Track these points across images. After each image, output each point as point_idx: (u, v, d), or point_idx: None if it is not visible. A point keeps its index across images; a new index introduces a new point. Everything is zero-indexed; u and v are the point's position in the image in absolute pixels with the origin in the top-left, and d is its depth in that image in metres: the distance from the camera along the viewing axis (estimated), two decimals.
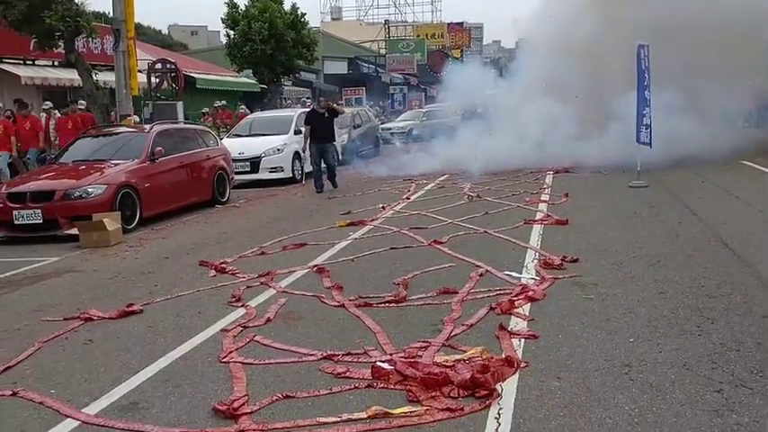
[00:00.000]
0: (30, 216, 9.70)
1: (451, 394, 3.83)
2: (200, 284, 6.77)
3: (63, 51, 16.78)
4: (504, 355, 4.29)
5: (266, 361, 4.56)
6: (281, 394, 3.97)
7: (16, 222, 9.76)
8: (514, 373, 4.08)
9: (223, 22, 25.83)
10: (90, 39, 18.15)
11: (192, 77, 24.38)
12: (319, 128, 13.85)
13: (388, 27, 52.67)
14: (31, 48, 18.34)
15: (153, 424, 3.72)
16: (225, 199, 13.05)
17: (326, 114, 14.04)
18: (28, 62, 20.29)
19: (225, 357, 4.66)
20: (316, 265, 7.20)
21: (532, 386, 3.92)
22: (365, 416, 3.65)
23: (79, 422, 3.82)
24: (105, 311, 5.91)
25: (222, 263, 7.52)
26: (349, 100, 33.07)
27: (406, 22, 63.23)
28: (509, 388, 3.90)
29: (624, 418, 3.48)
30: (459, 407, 3.68)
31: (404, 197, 12.05)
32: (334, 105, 15.30)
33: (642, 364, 4.15)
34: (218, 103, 23.62)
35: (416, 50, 50.91)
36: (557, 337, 4.68)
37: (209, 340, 5.10)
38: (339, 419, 3.63)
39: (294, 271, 7.06)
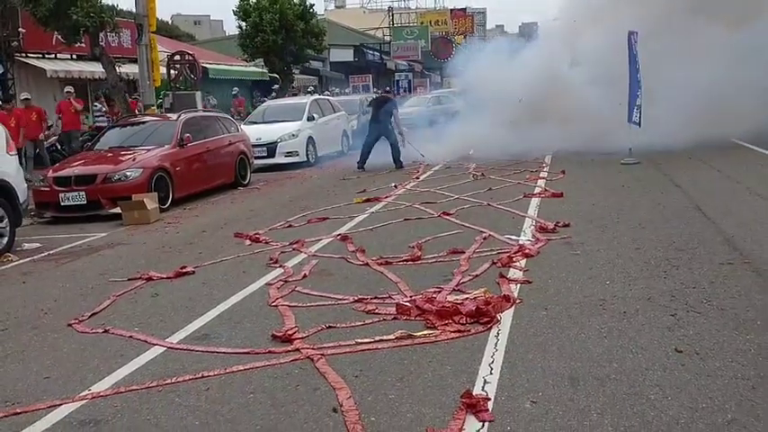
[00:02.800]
0: (75, 198, 10.71)
1: (461, 321, 4.81)
2: (239, 251, 7.76)
3: (83, 45, 17.78)
4: (502, 294, 5.28)
5: (308, 304, 5.55)
6: (324, 325, 4.96)
7: (62, 204, 10.77)
8: (511, 307, 5.07)
9: (235, 14, 26.72)
10: (114, 33, 19.04)
11: (205, 68, 25.31)
12: (379, 114, 15.07)
13: (392, 14, 53.38)
14: (54, 42, 19.34)
15: (226, 347, 4.72)
16: (246, 182, 14.02)
17: (385, 105, 15.29)
18: (48, 56, 21.22)
19: (273, 302, 5.65)
20: (339, 234, 8.19)
21: (524, 315, 4.90)
22: (393, 337, 4.64)
23: (165, 348, 4.82)
24: (162, 273, 6.92)
25: (255, 234, 8.50)
26: (356, 87, 33.95)
27: (409, 8, 63.83)
28: (506, 317, 4.88)
29: (595, 334, 4.46)
30: (467, 330, 4.67)
31: (414, 177, 13.00)
32: (391, 99, 16.58)
33: (614, 298, 5.13)
34: (235, 91, 24.76)
35: (420, 37, 51.59)
36: (546, 282, 5.66)
37: (256, 292, 6.09)
38: (373, 340, 4.62)
39: (321, 239, 8.04)
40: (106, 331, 5.26)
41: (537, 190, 10.31)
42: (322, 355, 4.40)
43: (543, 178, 11.50)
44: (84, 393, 4.10)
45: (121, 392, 4.08)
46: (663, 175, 10.99)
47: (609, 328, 4.54)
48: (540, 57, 17.18)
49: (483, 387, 3.79)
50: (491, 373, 3.96)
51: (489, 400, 3.62)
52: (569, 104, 15.48)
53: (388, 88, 18.85)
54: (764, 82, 13.66)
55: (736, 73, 13.97)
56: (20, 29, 19.04)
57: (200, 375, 4.24)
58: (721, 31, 14.68)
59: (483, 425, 3.38)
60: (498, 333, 4.59)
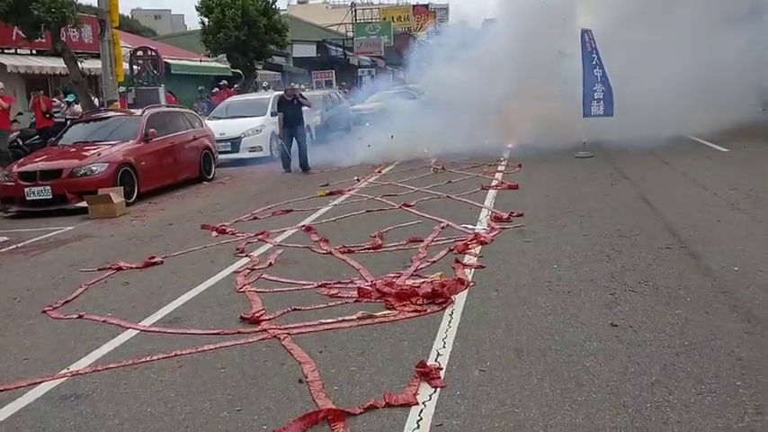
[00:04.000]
0: (41, 192, 10.83)
1: (418, 303, 5.16)
2: (206, 242, 8.02)
3: (44, 41, 17.72)
4: (457, 278, 5.64)
5: (274, 290, 5.85)
6: (290, 308, 5.28)
7: (28, 198, 10.87)
8: (465, 289, 5.43)
9: (197, 10, 26.77)
10: (75, 29, 18.96)
11: (167, 63, 25.28)
12: (289, 113, 14.67)
13: (355, 10, 53.63)
14: (14, 37, 19.25)
15: (196, 329, 5.00)
16: (211, 176, 14.21)
17: (295, 101, 14.85)
18: (7, 51, 21.03)
19: (241, 288, 5.94)
20: (303, 225, 8.49)
21: (477, 296, 5.28)
22: (355, 317, 4.97)
23: (138, 330, 5.09)
24: (132, 263, 7.15)
25: (222, 225, 8.75)
26: (319, 83, 34.12)
27: (372, 4, 64.11)
28: (460, 298, 5.25)
29: (540, 311, 4.85)
30: (424, 309, 5.03)
31: (376, 171, 13.33)
32: (301, 95, 15.91)
33: (560, 280, 5.53)
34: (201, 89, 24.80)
35: (383, 33, 51.91)
36: (498, 267, 6.05)
37: (224, 279, 6.36)
38: (336, 320, 4.94)
39: (285, 230, 8.33)
40: (80, 317, 5.51)
41: (494, 183, 10.72)
42: (288, 334, 4.72)
43: (501, 171, 11.92)
44: (63, 372, 4.36)
45: (99, 370, 4.35)
46: (614, 168, 11.48)
47: (553, 306, 4.94)
48: (497, 52, 17.27)
49: (436, 359, 4.14)
50: (444, 347, 4.32)
51: (441, 369, 3.98)
52: (528, 100, 15.78)
53: (294, 84, 17.90)
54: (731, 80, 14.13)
55: (706, 70, 14.29)
56: None
57: (173, 354, 4.52)
58: (696, 27, 14.91)
59: (435, 390, 3.73)
60: (452, 312, 4.95)
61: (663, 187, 9.42)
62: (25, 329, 5.34)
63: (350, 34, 51.34)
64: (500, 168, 12.29)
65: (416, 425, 3.38)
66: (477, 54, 17.65)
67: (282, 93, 16.04)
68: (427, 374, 3.87)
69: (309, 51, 43.13)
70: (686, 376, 3.71)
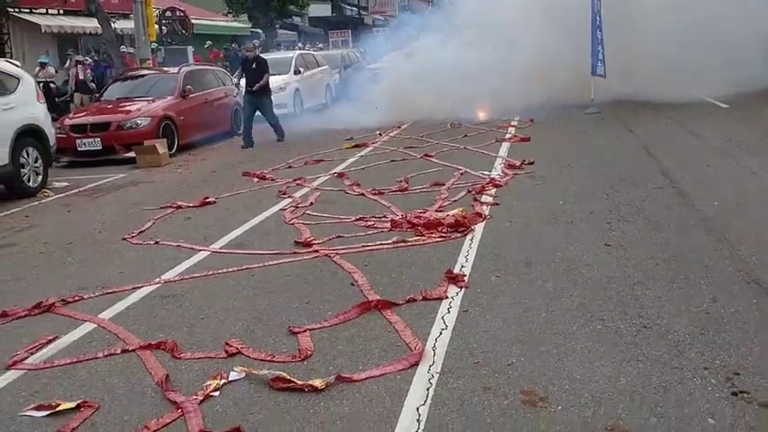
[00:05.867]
0: (91, 144, 11.83)
1: (443, 231, 6.12)
2: (250, 187, 8.98)
3: (74, 1, 18.62)
4: (476, 212, 6.59)
5: (318, 222, 6.81)
6: (335, 235, 6.25)
7: (79, 149, 11.87)
8: (482, 221, 6.37)
9: None
10: None
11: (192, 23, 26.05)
12: (249, 78, 13.06)
13: None
14: None
15: (259, 250, 5.98)
16: (241, 131, 15.10)
17: (254, 65, 13.10)
18: (36, 12, 21.83)
19: (290, 221, 6.91)
20: (336, 172, 9.43)
21: (493, 226, 6.23)
22: (390, 242, 5.93)
23: (210, 252, 6.08)
24: (188, 202, 8.13)
25: (261, 172, 9.71)
26: (335, 42, 34.76)
27: None
28: (479, 228, 6.19)
29: (546, 236, 5.80)
30: (449, 235, 5.98)
31: (396, 126, 14.19)
32: (260, 57, 13.60)
33: (563, 213, 6.47)
34: (208, 44, 25.42)
35: None
36: (511, 204, 6.99)
37: (273, 215, 7.34)
38: (375, 244, 5.91)
39: (319, 176, 9.28)
40: (157, 242, 6.51)
41: (507, 136, 11.59)
42: (336, 253, 5.70)
43: (514, 126, 12.77)
44: (156, 280, 5.36)
45: (186, 279, 5.36)
46: (620, 123, 12.31)
47: (557, 232, 5.88)
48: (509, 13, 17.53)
49: (461, 269, 5.11)
50: (466, 261, 5.29)
51: (465, 276, 4.95)
52: (540, 60, 16.29)
53: (256, 42, 15.23)
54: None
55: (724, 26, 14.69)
56: None
57: (244, 267, 5.51)
58: None
59: (461, 289, 4.70)
60: (472, 238, 5.91)
61: (663, 138, 10.27)
62: (113, 252, 6.36)
63: None
64: (513, 123, 13.12)
65: (447, 311, 4.35)
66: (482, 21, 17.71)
67: (243, 53, 13.74)
68: (454, 279, 4.84)
69: (325, 11, 43.60)
70: (662, 278, 4.66)
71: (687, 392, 3.20)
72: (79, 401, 3.45)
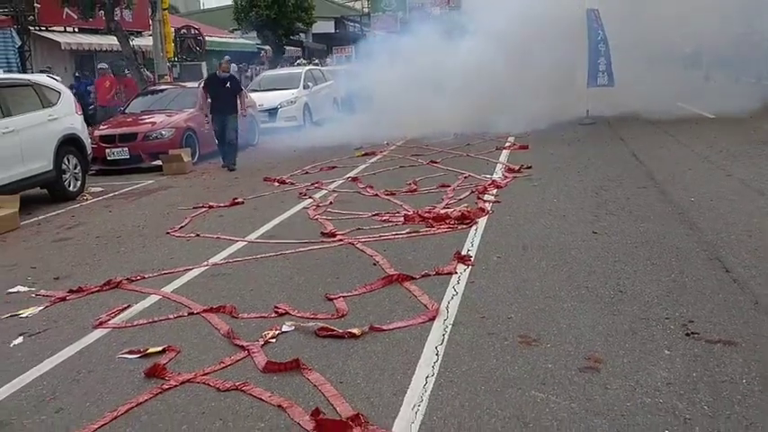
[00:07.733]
0: (119, 153, 12.71)
1: (450, 223, 6.97)
2: (272, 190, 9.84)
3: (92, 20, 19.55)
4: (479, 207, 7.45)
5: (339, 218, 7.66)
6: (356, 228, 7.09)
7: (109, 158, 12.75)
8: (485, 216, 7.23)
9: None
10: (128, 9, 20.70)
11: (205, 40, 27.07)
12: (220, 97, 12.39)
13: None
14: (64, 16, 21.08)
15: (290, 239, 6.83)
16: (256, 141, 16.01)
17: (228, 84, 12.51)
18: (52, 30, 22.73)
19: (314, 217, 7.77)
20: (350, 177, 10.29)
21: (494, 219, 7.08)
22: (405, 232, 6.78)
23: (247, 242, 6.93)
24: (219, 203, 8.99)
25: (281, 178, 10.57)
26: (339, 58, 35.76)
27: None
28: (482, 221, 7.04)
29: (541, 227, 6.65)
30: (456, 226, 6.83)
31: (403, 136, 15.06)
32: (234, 77, 13.28)
33: (557, 209, 7.32)
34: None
35: (398, 9, 53.27)
36: (511, 202, 7.84)
37: (297, 213, 8.19)
38: (392, 234, 6.76)
39: (335, 180, 10.13)
40: (198, 235, 7.36)
41: (507, 144, 12.47)
42: (359, 241, 6.54)
43: (513, 136, 13.63)
44: (204, 263, 6.21)
45: (230, 262, 6.20)
46: (612, 132, 13.20)
47: (551, 224, 6.73)
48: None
49: (467, 252, 5.95)
50: (472, 246, 6.13)
51: (471, 257, 5.79)
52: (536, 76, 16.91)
53: (228, 57, 14.30)
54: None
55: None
56: (35, 4, 20.73)
57: (279, 254, 6.36)
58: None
59: (468, 267, 5.54)
60: (476, 229, 6.75)
61: (650, 146, 11.15)
62: (159, 243, 7.20)
63: (365, 10, 52.72)
64: (512, 134, 13.99)
65: (457, 282, 5.19)
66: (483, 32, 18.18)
67: (219, 66, 13.12)
68: (462, 258, 5.69)
69: (328, 27, 44.69)
70: (640, 257, 5.50)
71: (650, 334, 4.04)
72: (164, 347, 4.29)
